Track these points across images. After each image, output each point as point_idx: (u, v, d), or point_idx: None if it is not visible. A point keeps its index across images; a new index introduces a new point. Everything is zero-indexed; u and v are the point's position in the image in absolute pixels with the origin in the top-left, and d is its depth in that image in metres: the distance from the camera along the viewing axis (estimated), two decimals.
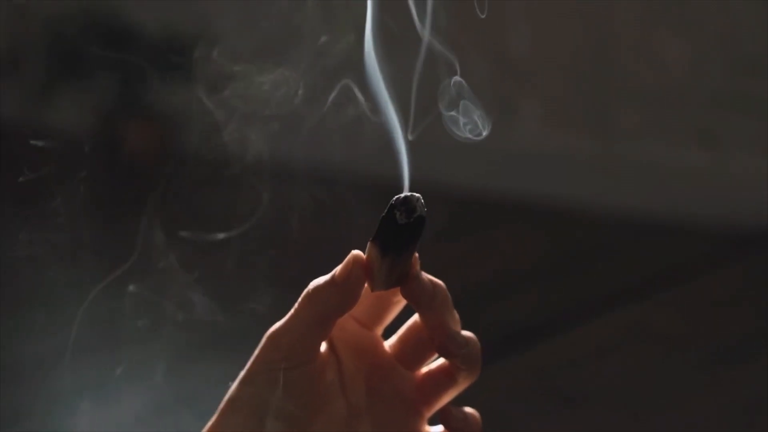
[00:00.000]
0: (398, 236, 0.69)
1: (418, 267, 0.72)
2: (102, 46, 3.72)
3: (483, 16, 0.79)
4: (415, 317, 0.76)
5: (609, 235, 3.37)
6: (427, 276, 0.72)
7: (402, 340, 0.76)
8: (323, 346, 0.73)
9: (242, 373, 0.72)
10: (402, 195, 0.70)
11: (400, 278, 0.71)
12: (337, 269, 0.71)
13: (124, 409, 2.28)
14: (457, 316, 0.74)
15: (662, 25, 3.47)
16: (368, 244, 0.70)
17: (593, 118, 3.61)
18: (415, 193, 0.71)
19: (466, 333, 0.75)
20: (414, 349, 0.75)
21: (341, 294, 0.70)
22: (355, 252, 0.71)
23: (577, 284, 3.04)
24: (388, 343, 0.76)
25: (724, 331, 2.74)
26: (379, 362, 0.75)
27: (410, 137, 0.73)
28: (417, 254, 0.72)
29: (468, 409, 0.75)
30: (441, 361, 0.76)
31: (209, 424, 0.72)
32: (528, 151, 3.66)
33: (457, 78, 0.78)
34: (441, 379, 0.75)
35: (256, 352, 0.72)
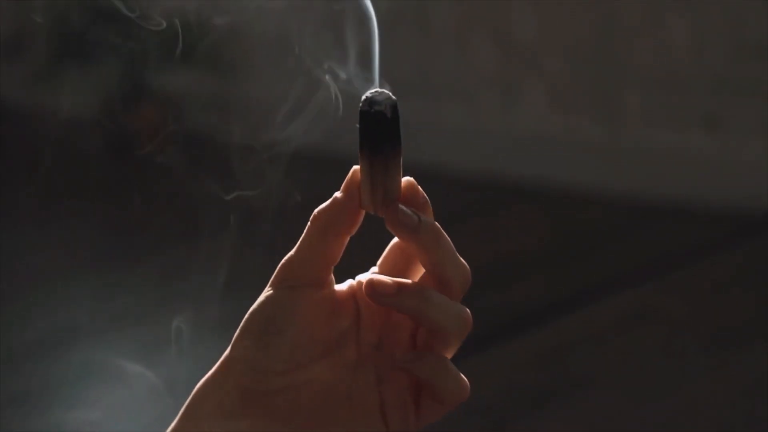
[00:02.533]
0: (368, 130, 0.72)
1: (400, 195, 0.73)
2: (105, 29, 3.72)
3: None
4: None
5: (612, 218, 3.38)
6: (413, 211, 0.73)
7: (384, 266, 0.77)
8: (345, 294, 0.75)
9: (253, 306, 0.74)
10: (372, 90, 0.73)
11: (386, 198, 0.73)
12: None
13: None
14: (447, 256, 0.73)
15: (666, 9, 3.47)
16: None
17: (598, 102, 3.61)
18: (383, 90, 0.73)
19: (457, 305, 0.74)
20: (400, 267, 0.76)
21: (342, 210, 0.73)
22: (355, 167, 0.74)
23: (580, 268, 3.04)
24: (371, 272, 0.77)
25: (727, 313, 2.75)
26: (397, 320, 0.76)
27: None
28: (414, 185, 0.74)
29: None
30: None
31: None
32: (532, 135, 3.66)
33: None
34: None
35: (267, 287, 0.74)
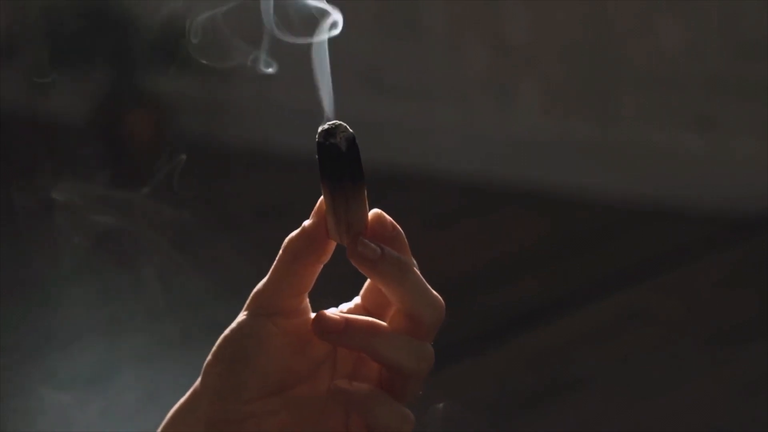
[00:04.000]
0: (325, 164, 0.71)
1: (366, 227, 0.72)
2: (99, 34, 3.72)
3: None
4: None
5: (607, 219, 3.38)
6: (377, 244, 0.71)
7: (365, 297, 0.76)
8: None
9: (225, 332, 0.73)
10: (327, 123, 0.72)
11: (349, 230, 0.71)
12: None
13: None
14: (415, 291, 0.71)
15: (660, 10, 3.48)
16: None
17: (592, 103, 3.62)
18: (341, 123, 0.72)
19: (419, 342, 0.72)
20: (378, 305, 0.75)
21: (311, 240, 0.72)
22: (322, 197, 0.73)
23: (575, 269, 3.04)
24: (354, 302, 0.76)
25: (722, 314, 2.75)
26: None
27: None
28: (382, 217, 0.72)
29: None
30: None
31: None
32: (526, 137, 3.66)
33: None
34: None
35: (240, 313, 0.73)
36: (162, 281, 2.83)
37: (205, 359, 0.71)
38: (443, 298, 0.73)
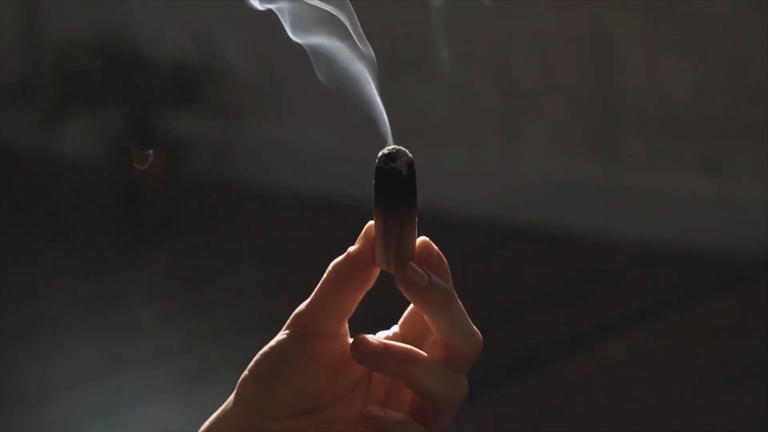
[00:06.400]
0: (383, 187, 0.72)
1: (413, 254, 0.72)
2: (112, 73, 3.75)
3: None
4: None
5: (613, 261, 3.38)
6: (425, 271, 0.72)
7: (404, 326, 0.77)
8: None
9: (264, 348, 0.74)
10: (388, 147, 0.73)
11: (398, 255, 0.72)
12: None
13: None
14: (457, 322, 0.73)
15: (667, 53, 3.50)
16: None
17: (599, 145, 3.63)
18: (400, 147, 0.73)
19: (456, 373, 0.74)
20: (416, 333, 0.76)
21: (356, 266, 0.73)
22: (370, 223, 0.73)
23: (579, 311, 3.05)
24: (393, 330, 0.77)
25: (727, 357, 2.75)
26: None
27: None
28: (429, 245, 0.73)
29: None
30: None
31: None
32: (534, 178, 3.68)
33: None
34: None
35: (281, 330, 0.74)
36: (166, 321, 2.84)
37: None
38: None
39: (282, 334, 0.74)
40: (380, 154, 0.72)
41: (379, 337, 0.76)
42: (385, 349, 0.72)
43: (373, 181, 0.72)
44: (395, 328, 0.76)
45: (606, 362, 2.75)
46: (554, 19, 3.61)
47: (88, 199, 3.68)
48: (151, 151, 3.72)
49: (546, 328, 2.94)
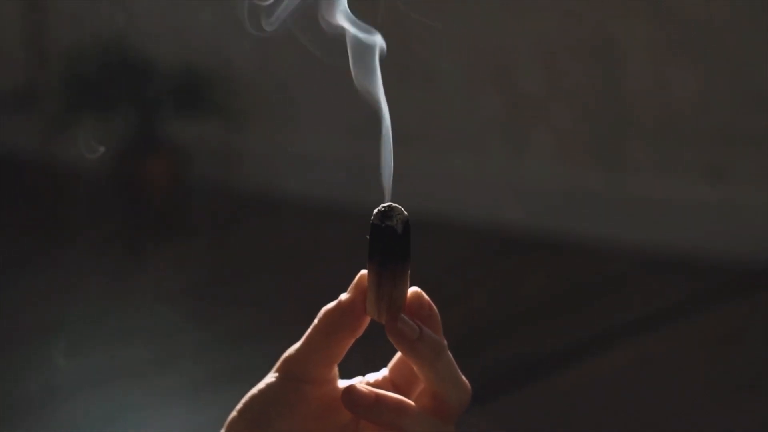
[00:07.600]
0: (378, 243, 0.72)
1: (405, 305, 0.73)
2: (118, 79, 3.75)
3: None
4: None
5: (618, 269, 3.38)
6: (416, 323, 0.73)
7: (394, 370, 0.77)
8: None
9: (253, 390, 0.74)
10: (384, 204, 0.73)
11: (390, 307, 0.73)
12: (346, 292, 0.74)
13: None
14: (446, 373, 0.73)
15: (672, 61, 3.50)
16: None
17: (604, 152, 3.63)
18: (396, 205, 0.73)
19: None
20: (406, 380, 0.76)
21: (347, 315, 0.73)
22: (362, 272, 0.74)
23: (584, 318, 3.05)
24: (382, 373, 0.77)
25: (731, 364, 2.75)
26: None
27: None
28: (421, 296, 0.73)
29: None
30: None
31: None
32: (539, 185, 3.68)
33: None
34: None
35: (270, 372, 0.74)
36: (174, 327, 2.84)
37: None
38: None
39: (271, 377, 0.74)
40: (375, 210, 0.72)
41: (369, 379, 0.76)
42: (376, 400, 0.73)
43: (368, 237, 0.72)
44: (384, 371, 0.77)
45: (611, 369, 2.75)
46: (559, 25, 3.61)
47: (92, 205, 3.68)
48: (156, 157, 3.72)
49: (550, 335, 2.94)
